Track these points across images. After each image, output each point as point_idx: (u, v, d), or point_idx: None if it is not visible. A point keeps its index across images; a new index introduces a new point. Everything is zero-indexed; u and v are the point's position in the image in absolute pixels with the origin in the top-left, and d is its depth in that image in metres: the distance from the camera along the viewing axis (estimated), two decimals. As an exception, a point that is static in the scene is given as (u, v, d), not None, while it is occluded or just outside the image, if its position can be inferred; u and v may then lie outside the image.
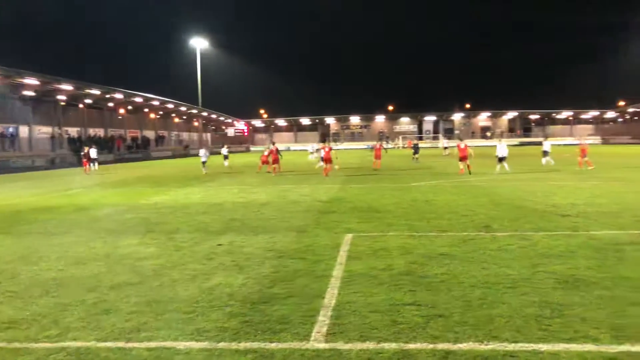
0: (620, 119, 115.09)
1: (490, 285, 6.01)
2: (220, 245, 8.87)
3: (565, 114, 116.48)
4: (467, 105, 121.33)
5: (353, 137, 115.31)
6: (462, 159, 23.57)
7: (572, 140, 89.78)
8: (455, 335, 4.57)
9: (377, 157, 30.33)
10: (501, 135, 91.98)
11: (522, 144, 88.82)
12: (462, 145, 23.74)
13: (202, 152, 31.64)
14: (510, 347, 4.27)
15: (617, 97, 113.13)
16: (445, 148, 50.93)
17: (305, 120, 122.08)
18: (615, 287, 5.78)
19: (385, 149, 46.40)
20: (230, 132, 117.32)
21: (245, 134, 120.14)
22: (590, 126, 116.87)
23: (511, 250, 7.81)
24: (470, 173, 22.98)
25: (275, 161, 27.60)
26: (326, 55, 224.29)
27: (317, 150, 32.52)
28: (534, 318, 4.91)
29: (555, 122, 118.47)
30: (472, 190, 16.86)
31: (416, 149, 37.90)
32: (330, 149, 26.16)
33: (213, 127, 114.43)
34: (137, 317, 5.29)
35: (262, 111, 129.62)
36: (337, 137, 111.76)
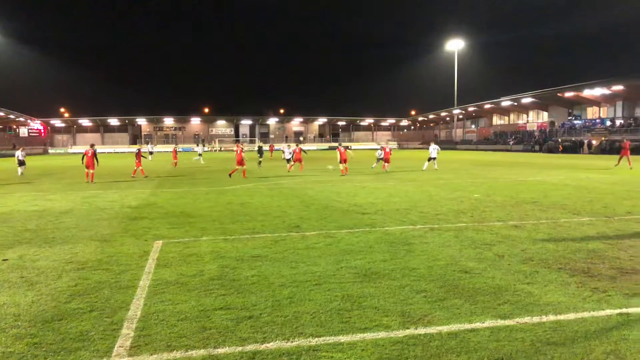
0: (412, 127, 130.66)
1: (298, 284, 6.27)
2: (5, 260, 7.74)
3: (367, 121, 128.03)
4: (282, 111, 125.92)
5: (167, 139, 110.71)
6: (343, 161, 26.08)
7: (374, 145, 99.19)
8: (263, 335, 4.65)
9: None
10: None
11: (331, 148, 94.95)
12: (342, 149, 26.48)
13: None
14: (314, 341, 4.50)
15: (409, 107, 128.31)
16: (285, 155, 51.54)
17: (113, 121, 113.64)
18: (404, 278, 6.50)
19: (199, 154, 45.70)
20: (24, 131, 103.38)
21: (43, 134, 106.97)
22: (388, 132, 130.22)
23: (318, 248, 8.27)
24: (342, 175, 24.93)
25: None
26: (135, 52, 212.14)
27: (290, 151, 30.84)
28: (337, 312, 5.26)
29: (359, 128, 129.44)
30: (285, 192, 17.48)
31: (260, 152, 37.20)
32: (301, 149, 27.71)
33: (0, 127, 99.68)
34: None
35: (62, 110, 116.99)
36: (149, 139, 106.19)
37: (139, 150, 27.07)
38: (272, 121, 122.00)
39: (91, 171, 22.90)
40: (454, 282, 6.27)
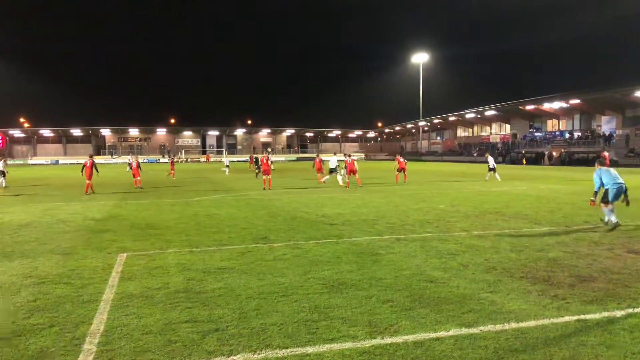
0: (378, 138, 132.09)
1: (265, 295, 6.24)
2: (-41, 276, 7.44)
3: (335, 132, 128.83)
4: (249, 122, 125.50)
5: (132, 150, 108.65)
6: (353, 172, 24.91)
7: (341, 156, 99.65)
8: (229, 348, 4.61)
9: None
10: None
11: (299, 159, 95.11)
12: (349, 160, 25.37)
13: None
14: (281, 353, 4.49)
15: (376, 119, 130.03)
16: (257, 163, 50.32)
17: (76, 131, 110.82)
18: (371, 288, 6.55)
19: (172, 163, 44.55)
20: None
21: (0, 145, 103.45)
22: (356, 144, 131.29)
23: (286, 260, 8.26)
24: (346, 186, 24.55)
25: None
26: (100, 62, 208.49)
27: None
28: (304, 323, 5.26)
29: (327, 139, 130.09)
30: (252, 203, 17.40)
31: (257, 163, 35.86)
32: (268, 158, 25.21)
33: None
34: None
35: (22, 120, 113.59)
36: (113, 150, 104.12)
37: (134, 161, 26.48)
38: (239, 132, 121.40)
39: (89, 182, 22.32)
40: (420, 292, 6.36)
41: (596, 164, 11.77)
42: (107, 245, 9.72)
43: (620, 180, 11.23)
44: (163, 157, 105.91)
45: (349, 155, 26.33)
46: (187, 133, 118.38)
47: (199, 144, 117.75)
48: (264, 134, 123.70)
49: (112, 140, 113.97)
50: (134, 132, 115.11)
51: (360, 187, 24.33)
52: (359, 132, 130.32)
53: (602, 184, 11.33)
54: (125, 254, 8.85)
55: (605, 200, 11.27)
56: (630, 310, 5.55)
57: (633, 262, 7.86)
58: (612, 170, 11.45)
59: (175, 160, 42.35)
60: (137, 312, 5.64)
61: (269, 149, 40.12)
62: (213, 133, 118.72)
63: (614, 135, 64.23)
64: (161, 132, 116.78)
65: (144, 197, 20.53)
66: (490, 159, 30.46)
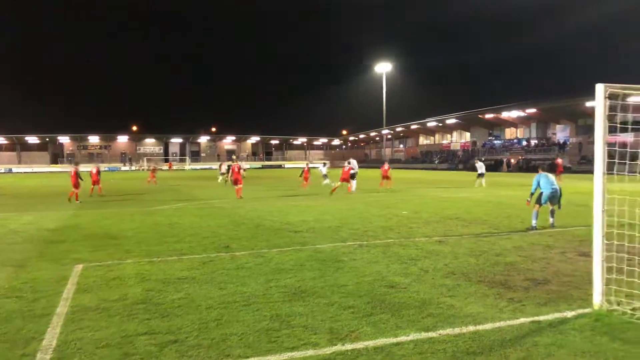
0: (343, 146, 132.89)
1: (226, 305, 6.17)
2: None
3: (301, 140, 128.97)
4: (213, 129, 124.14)
5: (92, 158, 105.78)
6: (346, 180, 25.14)
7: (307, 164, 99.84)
8: (188, 359, 4.54)
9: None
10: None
11: (264, 167, 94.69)
12: (346, 168, 25.59)
13: None
14: (241, 362, 4.45)
15: (341, 127, 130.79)
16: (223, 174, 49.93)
17: (32, 139, 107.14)
18: (333, 295, 6.57)
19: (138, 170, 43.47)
20: None
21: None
22: (321, 151, 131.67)
23: (248, 268, 8.19)
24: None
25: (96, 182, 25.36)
26: (61, 68, 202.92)
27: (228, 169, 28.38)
28: (265, 332, 5.22)
29: (292, 147, 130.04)
30: (215, 211, 17.20)
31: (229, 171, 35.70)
32: (240, 167, 24.24)
33: None
34: None
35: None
36: (71, 158, 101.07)
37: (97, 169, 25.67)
38: (203, 139, 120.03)
39: (76, 190, 21.93)
40: (381, 297, 6.41)
41: (539, 170, 12.82)
42: (62, 257, 9.42)
43: (556, 186, 12.35)
44: (124, 165, 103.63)
45: (348, 162, 26.62)
46: (150, 140, 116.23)
47: (162, 151, 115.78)
48: (228, 142, 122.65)
49: (71, 148, 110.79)
50: (94, 139, 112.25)
51: (349, 194, 24.58)
52: (324, 140, 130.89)
53: (539, 187, 12.44)
54: (81, 265, 8.59)
55: (538, 202, 12.35)
56: (580, 311, 5.75)
57: (584, 264, 8.14)
58: (550, 176, 12.52)
59: (156, 168, 42.56)
60: (92, 325, 5.48)
61: (234, 157, 39.68)
62: (176, 140, 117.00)
63: (568, 142, 66.62)
64: (122, 139, 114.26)
65: (104, 206, 20.00)
66: (480, 165, 31.28)
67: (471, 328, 5.24)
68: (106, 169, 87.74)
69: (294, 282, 7.27)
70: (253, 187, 31.05)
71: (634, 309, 5.56)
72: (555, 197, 12.28)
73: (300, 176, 30.68)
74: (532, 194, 12.56)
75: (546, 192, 12.22)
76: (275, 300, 6.37)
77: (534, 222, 12.20)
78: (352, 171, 25.62)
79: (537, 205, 12.32)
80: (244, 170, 25.22)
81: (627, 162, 6.25)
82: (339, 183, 25.03)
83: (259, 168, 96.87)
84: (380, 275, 7.58)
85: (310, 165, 34.66)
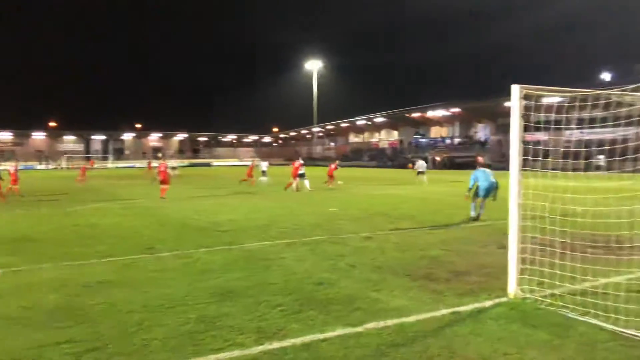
0: (274, 143, 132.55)
1: (149, 309, 5.95)
2: None
3: (230, 137, 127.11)
4: (138, 125, 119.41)
5: (3, 156, 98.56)
6: (330, 177, 27.88)
7: (236, 161, 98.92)
8: (107, 367, 4.34)
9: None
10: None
11: (192, 165, 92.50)
12: (333, 166, 28.50)
13: None
14: (164, 367, 4.31)
15: (272, 124, 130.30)
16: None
17: None
18: (261, 294, 6.52)
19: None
20: None
21: None
22: (251, 148, 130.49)
23: (173, 270, 7.96)
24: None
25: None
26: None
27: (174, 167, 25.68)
28: (189, 335, 5.09)
29: (221, 144, 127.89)
30: (140, 211, 16.59)
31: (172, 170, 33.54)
32: (166, 167, 22.45)
33: None
34: None
35: None
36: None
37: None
38: (127, 136, 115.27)
39: (15, 186, 22.09)
40: (309, 294, 6.45)
41: (477, 166, 13.92)
42: (-31, 263, 8.71)
43: (493, 180, 13.21)
44: (40, 163, 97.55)
45: (335, 161, 28.59)
46: (69, 137, 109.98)
47: (83, 149, 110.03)
48: (154, 138, 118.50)
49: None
50: (5, 135, 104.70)
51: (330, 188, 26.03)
52: (254, 137, 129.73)
53: (477, 181, 13.36)
54: (-10, 272, 7.99)
55: (477, 194, 13.35)
56: (497, 300, 6.07)
57: (503, 256, 8.55)
58: (488, 171, 13.50)
59: (86, 167, 40.66)
60: (2, 336, 5.11)
61: (159, 154, 38.52)
62: (98, 137, 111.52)
63: (488, 140, 70.19)
64: (38, 136, 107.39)
65: (19, 206, 18.69)
66: (420, 163, 32.49)
67: (395, 321, 5.38)
68: (21, 167, 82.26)
69: (221, 282, 7.15)
70: (181, 187, 30.22)
71: (543, 297, 5.94)
72: (490, 190, 13.16)
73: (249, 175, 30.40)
74: (470, 188, 13.50)
75: (483, 186, 13.15)
76: (201, 301, 6.23)
77: (472, 213, 13.27)
78: (299, 171, 25.47)
79: (475, 198, 13.31)
80: (175, 168, 23.90)
81: (541, 159, 6.67)
82: (292, 180, 25.25)
83: (187, 166, 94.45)
84: (308, 273, 7.61)
85: (257, 163, 34.14)
